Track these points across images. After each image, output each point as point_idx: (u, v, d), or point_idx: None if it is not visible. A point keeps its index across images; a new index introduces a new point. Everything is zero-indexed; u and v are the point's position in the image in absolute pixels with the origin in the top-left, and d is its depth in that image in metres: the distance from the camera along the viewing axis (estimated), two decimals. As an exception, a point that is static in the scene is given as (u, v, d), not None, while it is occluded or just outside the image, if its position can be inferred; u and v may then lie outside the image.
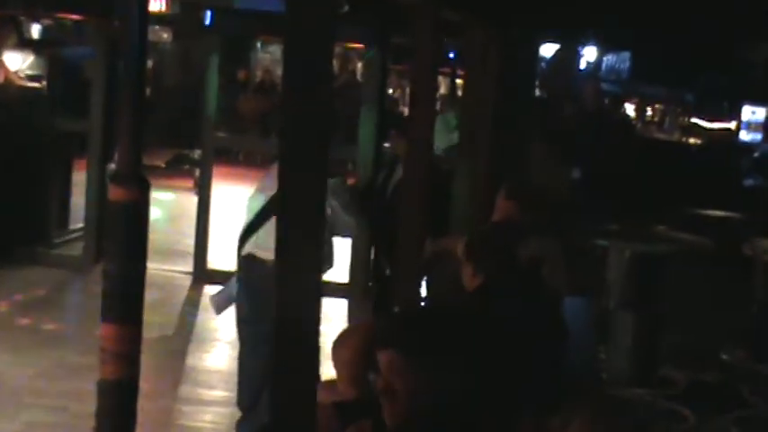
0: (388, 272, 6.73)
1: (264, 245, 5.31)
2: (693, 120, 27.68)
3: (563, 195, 7.05)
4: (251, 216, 5.40)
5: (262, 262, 5.28)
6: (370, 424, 2.86)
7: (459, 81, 16.35)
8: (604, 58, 24.12)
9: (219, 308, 5.65)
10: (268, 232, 5.31)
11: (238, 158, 16.51)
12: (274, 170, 5.53)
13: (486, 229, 4.54)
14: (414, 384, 2.64)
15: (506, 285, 4.03)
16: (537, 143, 7.21)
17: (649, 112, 29.30)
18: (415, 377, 2.61)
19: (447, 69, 14.94)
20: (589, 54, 23.02)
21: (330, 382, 3.27)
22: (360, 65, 19.10)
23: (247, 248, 5.40)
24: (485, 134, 6.46)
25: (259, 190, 5.43)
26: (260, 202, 5.36)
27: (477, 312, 3.91)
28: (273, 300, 5.14)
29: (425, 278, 5.23)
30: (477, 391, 2.63)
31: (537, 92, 8.93)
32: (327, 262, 5.25)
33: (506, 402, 3.06)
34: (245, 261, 5.41)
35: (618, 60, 25.67)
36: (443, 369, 2.62)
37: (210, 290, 8.66)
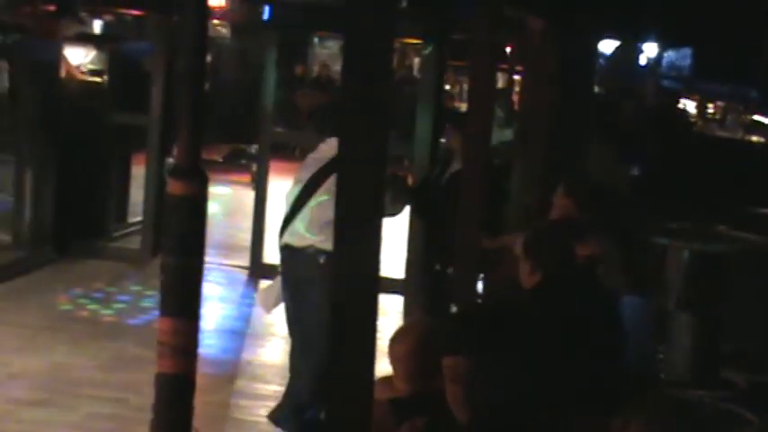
0: (438, 267, 6.71)
1: (299, 233, 5.36)
2: (756, 117, 27.27)
3: (621, 193, 6.98)
4: (287, 209, 5.47)
5: (299, 250, 5.32)
6: (424, 421, 2.85)
7: (516, 77, 16.26)
8: (665, 55, 23.83)
9: (268, 306, 5.68)
10: (302, 220, 5.36)
11: (294, 153, 16.56)
12: (308, 161, 5.56)
13: (544, 227, 4.51)
14: (476, 384, 2.63)
15: (564, 283, 3.99)
16: (595, 140, 7.15)
17: (711, 110, 28.94)
18: (478, 376, 2.60)
19: (504, 65, 14.85)
20: (649, 50, 22.75)
21: (386, 379, 3.26)
22: (417, 60, 19.07)
23: (284, 239, 5.44)
24: (542, 131, 6.41)
25: (295, 182, 5.48)
26: (296, 195, 5.42)
27: (534, 310, 3.88)
28: (317, 289, 5.14)
29: (482, 275, 5.20)
30: (535, 389, 2.61)
31: (596, 89, 8.84)
32: None
33: (564, 401, 3.03)
34: (283, 252, 5.46)
35: (679, 56, 25.37)
36: (504, 368, 2.60)
37: (265, 284, 8.72)
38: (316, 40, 21.39)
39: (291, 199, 5.46)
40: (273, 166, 9.39)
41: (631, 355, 4.11)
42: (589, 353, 3.65)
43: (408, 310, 8.08)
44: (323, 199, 5.34)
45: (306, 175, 5.43)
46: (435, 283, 6.74)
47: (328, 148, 5.44)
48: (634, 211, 6.51)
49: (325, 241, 5.26)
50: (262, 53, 9.69)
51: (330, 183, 5.30)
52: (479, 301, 5.13)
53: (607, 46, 12.41)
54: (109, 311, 7.80)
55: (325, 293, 5.22)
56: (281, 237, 5.49)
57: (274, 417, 5.37)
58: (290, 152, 16.35)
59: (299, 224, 5.38)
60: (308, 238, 5.33)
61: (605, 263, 4.47)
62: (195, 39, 3.30)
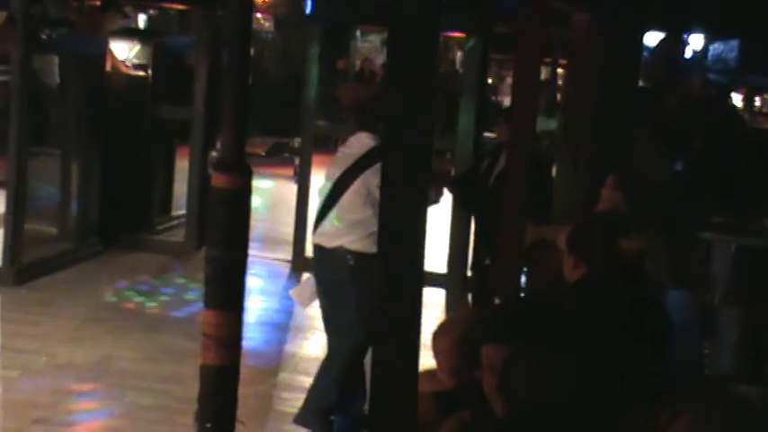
0: (487, 261, 6.68)
1: (328, 233, 5.32)
2: (804, 110, 26.92)
3: (667, 187, 6.91)
4: (319, 206, 5.44)
5: (328, 251, 5.29)
6: (469, 414, 2.84)
7: (560, 70, 16.16)
8: (711, 47, 23.54)
9: (304, 301, 5.69)
10: (331, 220, 5.32)
11: (337, 147, 16.59)
12: (339, 155, 5.52)
13: (589, 220, 4.47)
14: (513, 375, 2.62)
15: (608, 278, 3.96)
16: (640, 133, 7.09)
17: (758, 102, 28.59)
18: (521, 371, 2.58)
19: (548, 58, 14.77)
20: (695, 42, 22.51)
21: (430, 372, 3.26)
22: (459, 54, 19.02)
23: (315, 238, 5.42)
24: (586, 124, 6.37)
25: (326, 178, 5.44)
26: (326, 192, 5.38)
27: (578, 304, 3.85)
28: (349, 290, 5.10)
29: (525, 268, 5.17)
30: (578, 384, 2.59)
31: (641, 81, 8.77)
32: None
33: (608, 396, 3.01)
34: (315, 251, 5.45)
35: (725, 49, 25.08)
36: (548, 362, 2.58)
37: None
38: (358, 33, 21.40)
39: (323, 196, 5.43)
40: (316, 159, 9.41)
41: (677, 350, 4.07)
42: (633, 348, 3.62)
43: (451, 304, 8.08)
44: (353, 198, 5.29)
45: (336, 171, 5.38)
46: (483, 278, 6.71)
47: (359, 144, 5.38)
48: (680, 205, 6.45)
49: (355, 241, 5.22)
50: (305, 47, 9.72)
51: (359, 182, 5.26)
52: (522, 294, 5.10)
53: (652, 38, 12.30)
54: (153, 303, 7.86)
55: (357, 294, 5.22)
56: (313, 234, 5.47)
57: (300, 420, 5.32)
58: (332, 146, 16.41)
59: (328, 224, 5.33)
60: (338, 239, 5.28)
61: (651, 257, 4.42)
62: (239, 33, 3.32)
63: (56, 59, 8.81)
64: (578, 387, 2.57)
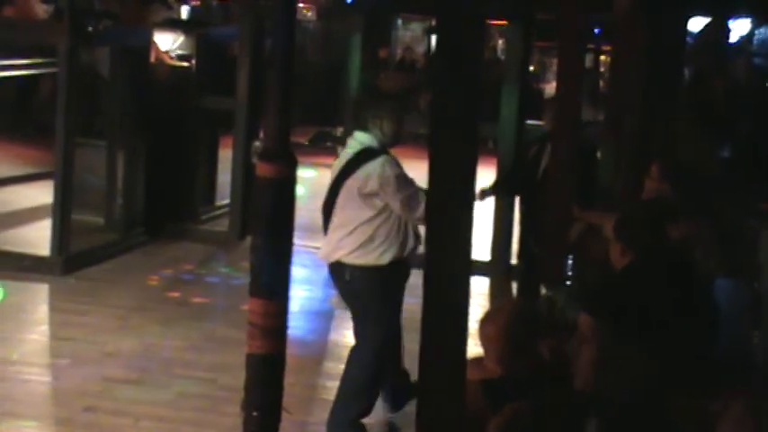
0: (536, 250, 6.64)
1: (327, 246, 5.25)
2: None
3: (712, 173, 6.85)
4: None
5: (331, 266, 5.23)
6: (529, 405, 2.84)
7: (602, 57, 16.05)
8: (757, 32, 23.25)
9: (341, 306, 5.68)
10: (330, 231, 5.22)
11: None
12: (337, 159, 5.27)
13: (636, 208, 4.45)
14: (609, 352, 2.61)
15: (655, 265, 3.94)
16: (685, 120, 7.02)
17: (802, 88, 28.25)
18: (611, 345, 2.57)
19: (591, 45, 14.67)
20: (740, 27, 22.24)
21: (477, 360, 3.26)
22: (501, 42, 18.94)
23: (319, 254, 5.34)
24: (631, 110, 6.32)
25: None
26: (324, 200, 5.30)
27: (624, 292, 3.84)
28: (355, 303, 5.01)
29: (572, 256, 5.15)
30: (631, 371, 2.58)
31: (685, 67, 8.68)
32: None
33: (665, 384, 3.00)
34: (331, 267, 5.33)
35: (770, 34, 24.76)
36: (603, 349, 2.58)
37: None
38: (399, 22, 21.37)
39: (322, 207, 5.34)
40: (359, 148, 9.40)
41: (725, 339, 4.04)
42: (681, 336, 3.61)
43: (494, 292, 8.06)
44: (345, 205, 5.15)
45: (332, 177, 5.27)
46: (530, 267, 6.68)
47: (354, 144, 5.21)
48: (727, 193, 6.39)
49: (351, 254, 5.12)
50: (346, 36, 9.71)
51: (350, 187, 5.10)
52: (568, 282, 5.09)
53: (697, 24, 12.16)
54: (199, 293, 7.91)
55: (364, 306, 5.19)
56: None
57: (331, 429, 5.26)
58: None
59: (327, 236, 5.26)
60: (336, 252, 5.19)
61: (698, 245, 4.39)
62: (284, 22, 3.33)
63: (107, 51, 8.88)
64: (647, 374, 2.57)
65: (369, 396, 5.22)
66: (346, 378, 5.26)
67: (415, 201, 4.99)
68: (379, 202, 5.06)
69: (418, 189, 5.00)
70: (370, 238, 5.07)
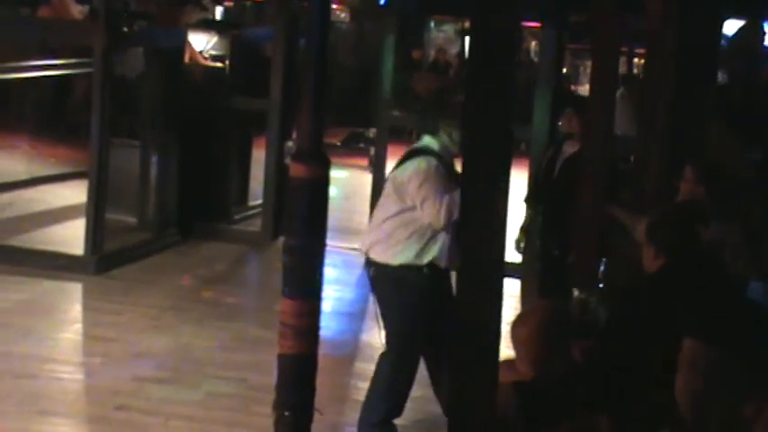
0: (556, 252, 6.62)
1: (365, 241, 5.24)
2: None
3: (745, 177, 6.80)
4: None
5: (368, 261, 5.19)
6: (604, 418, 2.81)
7: (636, 60, 15.95)
8: (792, 35, 23.00)
9: None
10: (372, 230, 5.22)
11: (412, 137, 16.60)
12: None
13: (669, 211, 4.43)
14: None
15: (688, 268, 3.92)
16: (717, 123, 6.97)
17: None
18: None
19: (625, 48, 14.60)
20: (775, 30, 22.02)
21: (509, 362, 3.25)
22: (534, 44, 18.89)
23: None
24: (663, 113, 6.29)
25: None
26: None
27: (657, 296, 3.82)
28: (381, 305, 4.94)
29: (604, 260, 5.13)
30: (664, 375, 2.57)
31: (718, 70, 8.62)
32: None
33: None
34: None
35: (806, 36, 24.57)
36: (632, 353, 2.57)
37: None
38: (432, 24, 21.37)
39: None
40: (391, 149, 9.42)
41: (759, 342, 4.01)
42: (715, 339, 3.58)
43: (525, 295, 8.03)
44: (382, 201, 5.19)
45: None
46: (552, 269, 6.65)
47: (417, 144, 5.24)
48: (759, 195, 6.34)
49: (377, 250, 5.10)
50: (379, 37, 9.72)
51: (390, 179, 5.16)
52: (601, 286, 5.06)
53: (731, 26, 12.08)
54: (231, 293, 7.95)
55: (383, 308, 5.18)
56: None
57: (362, 427, 5.24)
58: (406, 136, 16.43)
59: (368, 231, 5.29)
60: (368, 248, 5.18)
61: (731, 248, 4.37)
62: (318, 23, 3.34)
63: (140, 51, 8.94)
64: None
65: (394, 397, 5.17)
66: (373, 379, 5.27)
67: (435, 208, 4.93)
68: (408, 200, 5.03)
69: (446, 199, 4.92)
70: (389, 235, 5.03)
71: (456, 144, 5.02)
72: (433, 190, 4.95)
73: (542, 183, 6.98)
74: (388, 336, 5.19)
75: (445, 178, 5.01)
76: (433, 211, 4.92)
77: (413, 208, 5.02)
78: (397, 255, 5.04)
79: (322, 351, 3.63)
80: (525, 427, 2.95)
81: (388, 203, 5.13)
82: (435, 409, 5.33)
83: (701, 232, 4.10)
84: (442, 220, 4.92)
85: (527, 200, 7.34)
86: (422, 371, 5.30)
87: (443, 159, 5.07)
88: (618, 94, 8.64)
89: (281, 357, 3.57)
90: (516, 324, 3.29)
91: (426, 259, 5.03)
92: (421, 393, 5.50)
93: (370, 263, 5.17)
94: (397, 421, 5.23)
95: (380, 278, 5.13)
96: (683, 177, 4.82)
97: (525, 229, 7.16)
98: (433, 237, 5.02)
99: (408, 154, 5.16)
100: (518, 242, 7.14)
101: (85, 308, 7.45)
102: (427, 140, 5.16)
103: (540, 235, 7.11)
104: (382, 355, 5.26)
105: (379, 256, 5.09)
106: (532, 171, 8.21)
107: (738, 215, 4.88)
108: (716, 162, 5.95)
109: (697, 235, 4.06)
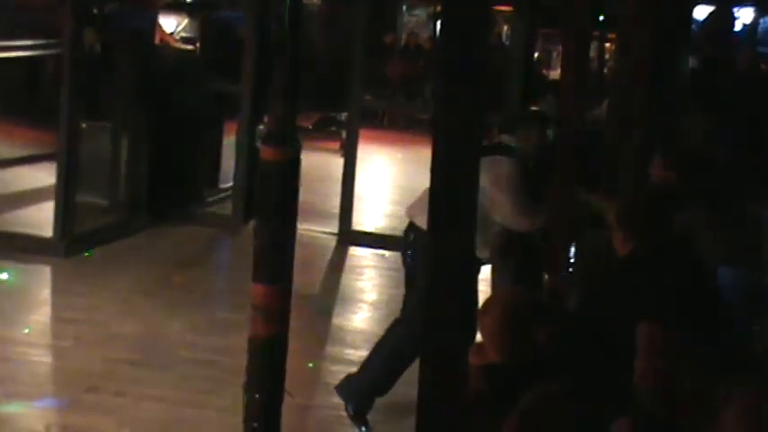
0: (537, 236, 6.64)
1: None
2: None
3: (717, 161, 6.84)
4: None
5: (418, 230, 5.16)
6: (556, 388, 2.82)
7: (607, 45, 15.99)
8: (761, 21, 23.18)
9: None
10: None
11: (383, 122, 16.60)
12: None
13: (640, 196, 4.46)
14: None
15: (658, 253, 3.95)
16: (690, 107, 7.01)
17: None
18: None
19: (596, 32, 14.64)
20: (745, 16, 22.19)
21: (479, 345, 3.27)
22: (506, 28, 18.90)
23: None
24: (636, 98, 6.31)
25: None
26: None
27: (627, 280, 3.84)
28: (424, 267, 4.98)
29: (575, 243, 5.15)
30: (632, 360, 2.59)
31: (691, 55, 8.66)
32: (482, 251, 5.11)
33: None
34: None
35: (775, 23, 24.70)
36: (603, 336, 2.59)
37: (354, 250, 8.77)
38: (404, 7, 21.34)
39: None
40: (363, 134, 9.42)
41: (727, 326, 4.05)
42: (684, 324, 3.62)
43: (496, 279, 8.06)
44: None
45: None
46: (529, 254, 6.67)
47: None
48: (730, 181, 6.39)
49: (418, 218, 5.06)
50: (351, 20, 9.70)
51: None
52: (572, 269, 5.09)
53: (702, 12, 12.14)
54: (202, 276, 7.93)
55: (413, 276, 5.19)
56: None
57: (342, 390, 5.28)
58: (378, 120, 16.41)
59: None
60: (411, 215, 5.23)
61: (702, 233, 4.40)
62: (290, 7, 3.33)
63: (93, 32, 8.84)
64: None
65: (390, 370, 5.18)
66: (377, 345, 5.26)
67: (520, 211, 5.07)
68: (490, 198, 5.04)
69: (523, 201, 5.05)
70: None
71: (525, 150, 5.18)
72: (518, 194, 5.06)
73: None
74: (408, 306, 5.18)
75: (526, 181, 5.13)
76: (520, 219, 5.11)
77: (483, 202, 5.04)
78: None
79: (292, 334, 3.63)
80: (493, 407, 2.98)
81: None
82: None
83: (671, 217, 4.13)
84: (526, 224, 5.13)
85: None
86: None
87: (520, 160, 5.17)
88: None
89: (251, 341, 3.57)
90: (481, 314, 3.31)
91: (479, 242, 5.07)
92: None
93: (412, 227, 5.17)
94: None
95: (420, 244, 5.11)
96: (653, 164, 4.85)
97: None
98: (483, 228, 5.06)
99: (495, 146, 5.21)
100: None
101: (55, 290, 7.42)
102: (507, 139, 5.23)
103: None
104: (396, 322, 5.25)
105: (425, 223, 5.06)
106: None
107: (709, 200, 4.92)
108: (687, 147, 5.99)
109: (667, 220, 4.08)
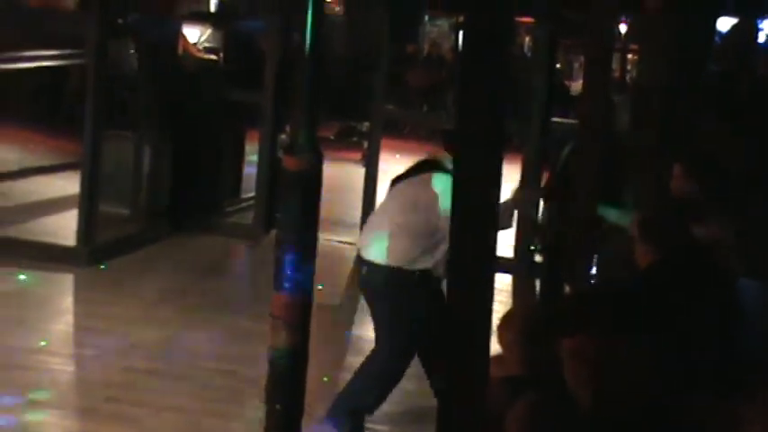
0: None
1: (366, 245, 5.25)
2: None
3: (739, 172, 6.81)
4: None
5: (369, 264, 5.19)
6: (538, 399, 2.84)
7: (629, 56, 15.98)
8: (786, 32, 23.04)
9: None
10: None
11: (404, 131, 16.61)
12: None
13: (662, 207, 4.44)
14: (602, 366, 2.61)
15: (679, 264, 3.93)
16: (712, 118, 6.99)
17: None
18: (604, 358, 2.58)
19: (619, 45, 14.62)
20: (768, 27, 22.07)
21: (500, 357, 3.26)
22: (527, 39, 18.91)
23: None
24: (657, 109, 6.30)
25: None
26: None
27: (648, 291, 3.82)
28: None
29: (596, 255, 5.13)
30: (654, 373, 2.58)
31: (713, 67, 8.64)
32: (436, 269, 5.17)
33: (685, 384, 2.99)
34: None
35: (799, 34, 24.60)
36: (625, 350, 2.58)
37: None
38: (426, 18, 21.37)
39: None
40: (384, 143, 9.42)
41: (747, 340, 4.02)
42: (705, 336, 3.59)
43: (518, 290, 8.04)
44: (383, 209, 5.28)
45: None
46: (554, 265, 6.66)
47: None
48: (753, 192, 6.35)
49: (367, 251, 5.14)
50: (374, 31, 9.71)
51: (400, 194, 5.19)
52: (594, 281, 5.07)
53: (725, 23, 12.11)
54: (223, 285, 7.94)
55: (378, 307, 5.21)
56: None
57: (331, 413, 5.23)
58: (400, 130, 16.42)
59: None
60: (361, 248, 5.26)
61: (723, 244, 4.37)
62: (312, 16, 3.33)
63: (129, 45, 8.91)
64: (654, 376, 2.56)
65: (374, 394, 5.20)
66: (358, 370, 5.28)
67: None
68: (420, 213, 5.05)
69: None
70: (388, 238, 5.05)
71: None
72: None
73: (559, 178, 6.99)
74: (378, 335, 5.21)
75: None
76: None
77: (423, 221, 5.03)
78: (392, 257, 5.07)
79: (311, 345, 3.63)
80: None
81: (394, 209, 5.15)
82: (425, 402, 5.34)
83: (693, 229, 4.11)
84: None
85: (543, 195, 7.35)
86: (415, 364, 5.32)
87: None
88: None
89: (271, 350, 3.57)
90: (501, 327, 3.30)
91: (419, 266, 5.08)
92: (412, 387, 5.52)
93: (363, 261, 5.18)
94: (388, 414, 5.23)
95: (373, 278, 5.14)
96: (674, 173, 4.83)
97: (538, 224, 7.18)
98: (433, 248, 5.06)
99: (426, 166, 5.17)
100: (533, 237, 7.17)
101: (77, 299, 7.44)
102: (441, 157, 5.21)
103: (553, 229, 7.12)
104: (373, 351, 5.27)
105: (375, 256, 5.10)
106: (550, 167, 8.20)
107: (734, 212, 4.89)
108: (710, 157, 5.96)
109: (689, 232, 4.07)
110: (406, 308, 5.10)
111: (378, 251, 5.09)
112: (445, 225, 4.93)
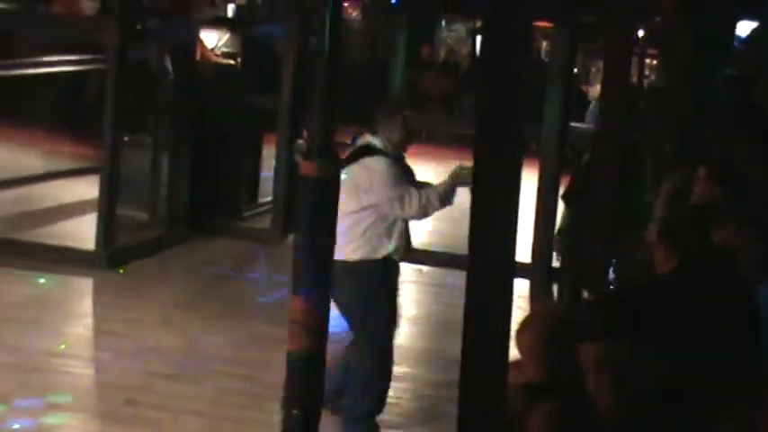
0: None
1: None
2: None
3: (758, 178, 6.79)
4: None
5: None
6: (558, 405, 2.83)
7: (647, 61, 15.92)
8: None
9: None
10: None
11: (421, 136, 16.61)
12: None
13: (682, 212, 4.42)
14: (623, 371, 2.60)
15: (699, 270, 3.91)
16: (730, 123, 6.97)
17: None
18: (624, 364, 2.57)
19: (637, 50, 14.59)
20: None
21: (518, 363, 3.25)
22: (545, 43, 18.88)
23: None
24: (674, 114, 6.29)
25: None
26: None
27: (669, 297, 3.81)
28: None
29: (615, 260, 5.13)
30: (675, 377, 2.57)
31: (731, 71, 8.61)
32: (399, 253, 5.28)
33: (705, 390, 2.98)
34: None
35: (819, 38, 24.48)
36: (646, 354, 2.57)
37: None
38: (443, 23, 21.36)
39: None
40: (402, 148, 9.41)
41: (766, 345, 4.00)
42: (724, 341, 3.58)
43: (535, 295, 8.03)
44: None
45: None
46: (575, 270, 6.66)
47: (360, 141, 5.38)
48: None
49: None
50: (390, 36, 9.73)
51: (345, 180, 5.21)
52: (612, 287, 5.06)
53: (744, 28, 12.07)
54: (241, 290, 7.96)
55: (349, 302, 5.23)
56: None
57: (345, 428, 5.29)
58: (418, 135, 16.42)
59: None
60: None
61: (742, 250, 4.35)
62: (330, 21, 3.34)
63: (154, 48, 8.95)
64: (675, 380, 2.56)
65: (376, 388, 5.26)
66: (351, 374, 5.31)
67: (405, 200, 5.14)
68: (364, 199, 5.13)
69: (410, 188, 5.17)
70: (345, 233, 5.02)
71: (394, 145, 5.31)
72: (404, 187, 5.17)
73: (581, 182, 6.99)
74: (355, 330, 5.26)
75: (403, 174, 5.27)
76: (411, 206, 5.12)
77: (371, 206, 5.14)
78: (354, 251, 5.12)
79: (330, 349, 3.63)
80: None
81: (343, 202, 5.16)
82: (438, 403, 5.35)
83: (713, 234, 4.09)
84: (429, 211, 5.21)
85: (564, 199, 7.36)
86: (417, 364, 5.33)
87: (390, 156, 5.27)
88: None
89: (290, 355, 3.57)
90: (520, 332, 3.29)
91: (381, 254, 5.22)
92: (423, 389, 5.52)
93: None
94: (402, 413, 5.24)
95: (340, 275, 5.14)
96: (695, 177, 4.81)
97: (562, 229, 7.19)
98: (387, 232, 5.22)
99: (358, 151, 5.27)
100: (556, 242, 7.19)
101: (96, 303, 7.48)
102: (370, 139, 5.33)
103: (576, 234, 7.12)
104: (352, 350, 5.28)
105: (336, 254, 5.09)
106: (572, 171, 8.20)
107: (753, 217, 4.87)
108: (729, 163, 5.94)
109: (709, 237, 4.05)
110: (375, 295, 5.23)
111: (337, 248, 5.11)
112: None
